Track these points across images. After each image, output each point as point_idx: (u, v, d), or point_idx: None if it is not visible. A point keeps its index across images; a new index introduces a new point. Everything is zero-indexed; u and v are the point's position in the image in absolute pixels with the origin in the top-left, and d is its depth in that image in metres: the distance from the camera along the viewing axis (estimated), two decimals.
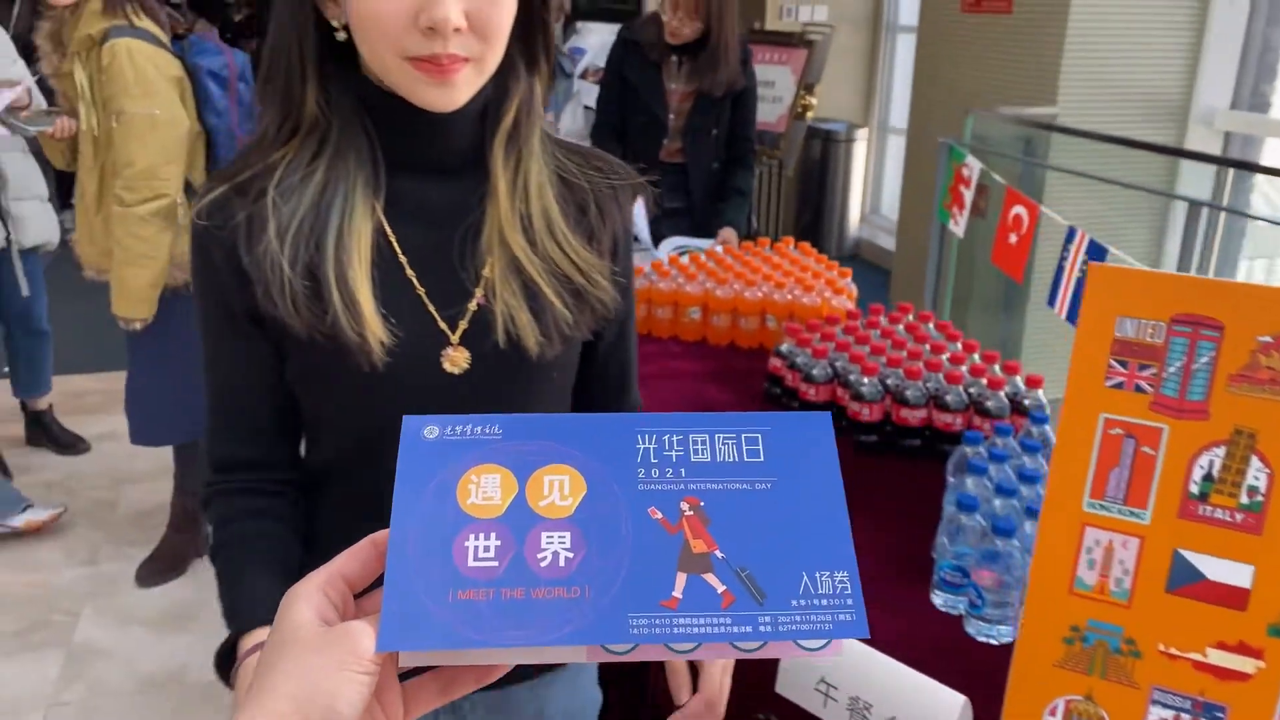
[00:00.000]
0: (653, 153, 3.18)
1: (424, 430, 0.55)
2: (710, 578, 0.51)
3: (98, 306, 2.84)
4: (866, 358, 1.93)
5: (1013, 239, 3.54)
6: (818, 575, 0.52)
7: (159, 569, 3.06)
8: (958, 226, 3.88)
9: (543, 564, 0.51)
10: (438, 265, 0.98)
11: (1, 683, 2.66)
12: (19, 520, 3.23)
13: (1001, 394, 1.82)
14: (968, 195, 3.83)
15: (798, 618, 0.50)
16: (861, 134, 6.80)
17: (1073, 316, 3.23)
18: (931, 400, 1.86)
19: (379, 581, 0.55)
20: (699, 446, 0.56)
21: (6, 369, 3.88)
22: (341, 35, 0.92)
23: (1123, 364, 0.84)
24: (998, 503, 1.42)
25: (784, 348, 2.12)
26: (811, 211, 6.90)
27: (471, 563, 0.51)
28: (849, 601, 0.51)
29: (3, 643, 2.79)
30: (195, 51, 2.74)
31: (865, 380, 1.88)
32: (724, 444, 0.56)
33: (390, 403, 0.95)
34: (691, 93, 3.11)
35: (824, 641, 0.51)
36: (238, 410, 1.02)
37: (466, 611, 0.50)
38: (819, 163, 6.70)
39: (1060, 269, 3.26)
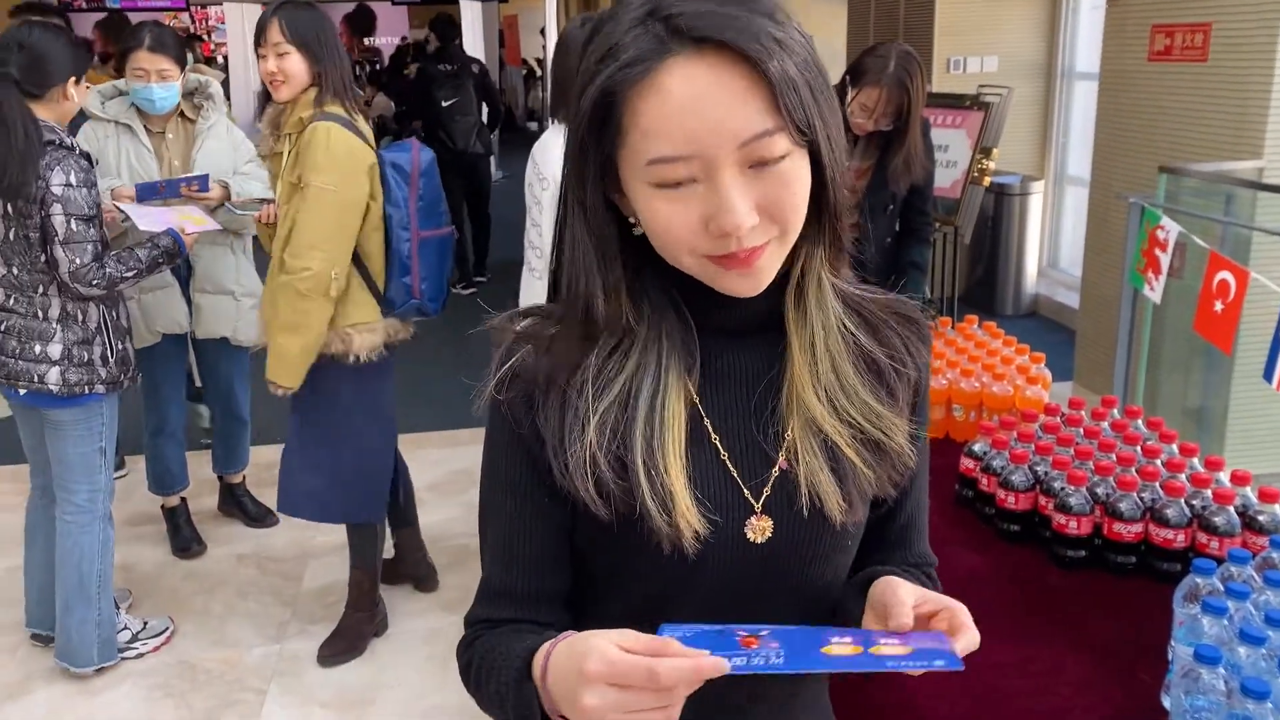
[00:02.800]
0: None
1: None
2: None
3: None
4: (1072, 464, 1.78)
5: (1218, 306, 3.27)
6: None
7: (339, 649, 3.12)
8: (1153, 292, 3.63)
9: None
10: (741, 430, 0.96)
11: None
12: (135, 650, 3.16)
13: (1231, 509, 1.64)
14: (1164, 259, 3.57)
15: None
16: (1037, 186, 6.51)
17: None
18: (1148, 513, 1.70)
19: None
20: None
21: (209, 440, 4.08)
22: (639, 230, 0.90)
23: None
24: (1242, 651, 1.27)
25: (978, 447, 1.99)
26: (985, 268, 6.63)
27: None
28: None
29: None
30: (388, 146, 2.87)
31: (1072, 490, 1.73)
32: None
33: (689, 571, 0.94)
34: (868, 169, 3.02)
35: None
36: (515, 565, 1.00)
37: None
38: (992, 217, 6.44)
39: (1277, 340, 2.99)
